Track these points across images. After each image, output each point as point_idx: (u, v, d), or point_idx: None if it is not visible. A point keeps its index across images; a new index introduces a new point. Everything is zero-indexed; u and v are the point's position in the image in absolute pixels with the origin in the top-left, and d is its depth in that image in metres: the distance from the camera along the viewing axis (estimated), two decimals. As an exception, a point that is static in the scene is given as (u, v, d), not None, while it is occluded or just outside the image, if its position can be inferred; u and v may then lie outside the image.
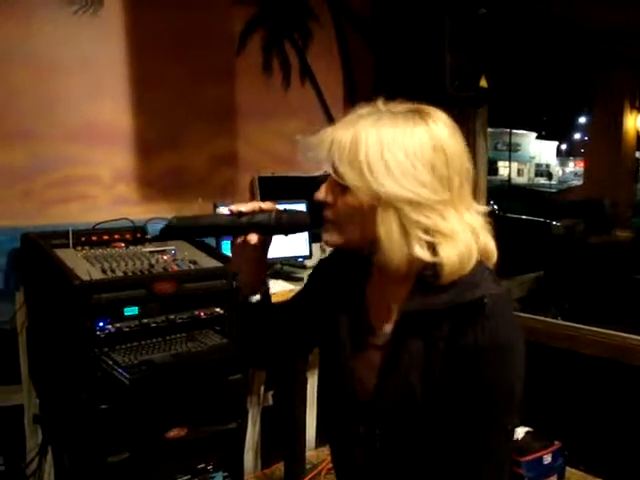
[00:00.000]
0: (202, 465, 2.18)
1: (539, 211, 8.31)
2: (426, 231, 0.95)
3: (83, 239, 2.23)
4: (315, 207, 1.06)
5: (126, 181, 2.60)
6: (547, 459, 2.76)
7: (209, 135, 2.82)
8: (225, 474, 2.24)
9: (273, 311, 1.24)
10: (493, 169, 29.50)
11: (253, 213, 1.09)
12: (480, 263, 1.00)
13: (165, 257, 2.20)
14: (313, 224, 1.10)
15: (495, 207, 8.45)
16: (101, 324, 1.91)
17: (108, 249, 2.22)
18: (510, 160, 26.92)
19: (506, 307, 0.99)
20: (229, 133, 2.90)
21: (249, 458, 2.85)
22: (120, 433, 1.95)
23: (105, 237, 2.28)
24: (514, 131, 28.24)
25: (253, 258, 1.15)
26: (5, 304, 2.28)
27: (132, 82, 2.58)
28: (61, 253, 2.06)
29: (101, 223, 2.31)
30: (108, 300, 1.91)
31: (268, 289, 1.23)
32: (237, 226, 1.09)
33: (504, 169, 28.38)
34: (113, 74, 2.54)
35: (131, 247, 2.27)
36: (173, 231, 1.09)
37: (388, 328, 1.06)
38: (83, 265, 2.01)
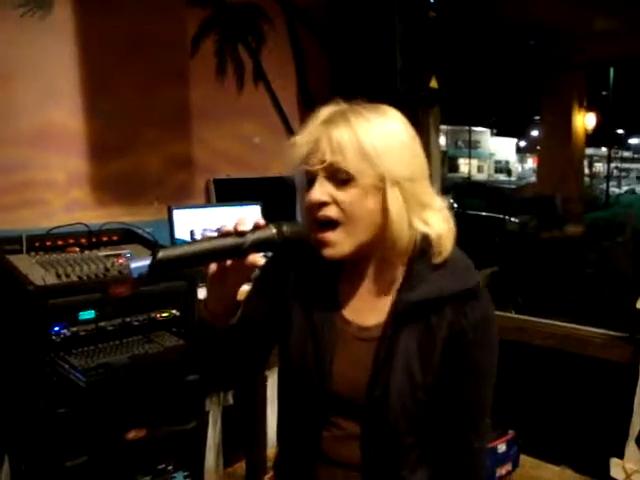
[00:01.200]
0: (162, 465, 2.20)
1: (497, 207, 8.49)
2: (421, 205, 1.06)
3: (37, 244, 2.22)
4: (270, 210, 1.07)
5: (80, 185, 2.58)
6: (502, 448, 2.85)
7: (164, 138, 2.82)
8: (186, 473, 2.26)
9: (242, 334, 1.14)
10: (454, 166, 29.90)
11: (249, 232, 0.98)
12: (456, 250, 1.11)
13: (121, 260, 2.21)
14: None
15: (454, 204, 8.60)
16: (57, 328, 1.92)
17: (63, 254, 2.21)
18: (470, 157, 27.32)
19: (485, 289, 1.12)
20: (184, 136, 2.90)
21: (211, 457, 2.87)
22: (78, 437, 1.96)
23: (60, 242, 2.27)
24: (474, 128, 28.65)
25: (243, 280, 1.05)
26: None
27: (85, 86, 2.57)
28: (15, 259, 2.06)
29: (55, 228, 2.30)
30: (63, 304, 1.91)
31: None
32: (239, 246, 0.97)
33: (465, 166, 28.78)
34: (66, 78, 2.52)
35: (86, 252, 2.27)
36: (163, 265, 0.92)
37: (373, 320, 1.10)
38: (37, 270, 2.01)
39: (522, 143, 31.36)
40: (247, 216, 1.00)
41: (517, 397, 3.02)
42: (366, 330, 1.11)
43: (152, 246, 2.37)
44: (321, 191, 1.02)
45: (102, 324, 2.02)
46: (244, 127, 3.05)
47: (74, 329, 1.95)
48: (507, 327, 3.18)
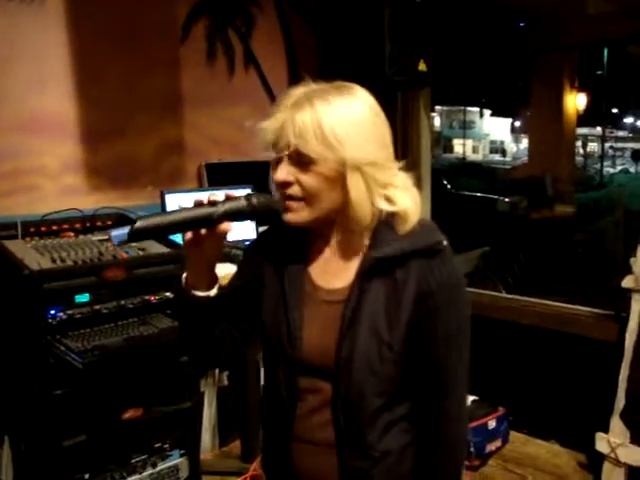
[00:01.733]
0: (159, 444, 2.26)
1: (491, 188, 8.51)
2: (384, 187, 1.09)
3: (32, 230, 2.26)
4: (262, 193, 1.09)
5: (74, 171, 2.61)
6: (492, 424, 2.91)
7: (156, 123, 2.85)
8: (182, 452, 2.32)
9: (222, 308, 1.21)
10: (448, 147, 29.86)
11: (222, 202, 1.06)
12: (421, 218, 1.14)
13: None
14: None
15: (447, 185, 8.61)
16: (53, 312, 1.96)
17: (57, 239, 2.26)
18: (465, 137, 27.28)
19: (452, 252, 1.15)
20: (175, 121, 2.93)
21: (207, 437, 2.93)
22: (76, 417, 2.01)
23: (54, 227, 2.32)
24: (469, 109, 28.58)
25: (217, 249, 1.11)
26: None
27: (77, 72, 2.58)
28: (10, 244, 2.10)
29: (50, 214, 2.34)
30: (59, 288, 1.96)
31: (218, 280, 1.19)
32: (211, 216, 1.04)
33: (459, 147, 28.76)
34: (58, 65, 2.54)
35: (80, 236, 2.31)
36: (140, 233, 1.00)
37: (341, 284, 1.13)
38: (33, 255, 2.05)
39: (517, 123, 31.31)
40: (220, 191, 1.11)
41: (507, 375, 3.08)
42: (334, 293, 1.14)
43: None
44: (285, 171, 1.07)
45: (97, 307, 2.06)
46: (235, 111, 3.07)
47: (70, 312, 2.00)
48: (496, 306, 3.24)
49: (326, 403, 1.13)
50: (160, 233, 1.05)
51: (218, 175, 2.92)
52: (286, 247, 1.19)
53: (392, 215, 1.10)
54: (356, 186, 1.06)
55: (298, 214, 1.09)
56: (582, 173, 16.05)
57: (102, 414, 2.07)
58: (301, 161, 1.06)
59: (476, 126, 31.94)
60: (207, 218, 1.04)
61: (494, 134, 33.97)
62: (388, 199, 1.09)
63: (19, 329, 2.02)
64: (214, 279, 1.15)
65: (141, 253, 2.21)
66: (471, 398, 3.06)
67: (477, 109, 30.24)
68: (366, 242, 1.13)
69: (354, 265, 1.13)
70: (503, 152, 32.73)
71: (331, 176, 1.05)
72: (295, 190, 1.08)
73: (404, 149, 3.32)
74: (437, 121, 28.68)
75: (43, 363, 1.93)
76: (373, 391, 1.10)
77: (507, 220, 6.17)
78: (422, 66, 2.95)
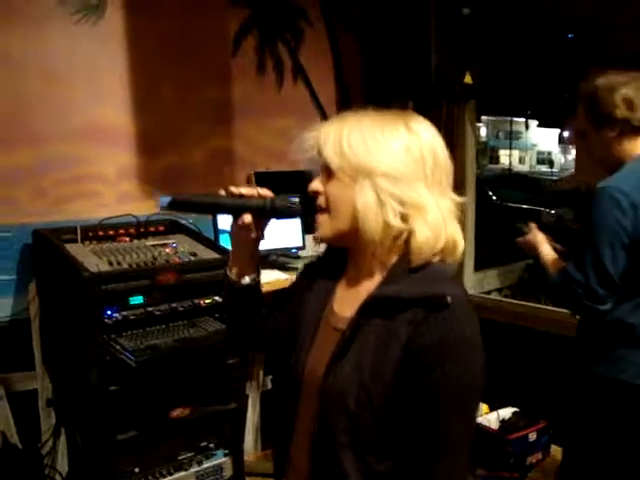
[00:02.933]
0: (204, 443, 2.34)
1: (536, 199, 8.39)
2: (401, 203, 1.03)
3: (90, 234, 2.37)
4: (308, 199, 1.14)
5: (129, 179, 2.72)
6: (532, 436, 2.91)
7: (207, 134, 2.94)
8: (226, 452, 2.40)
9: (260, 298, 1.30)
10: (495, 157, 29.51)
11: (251, 197, 1.16)
12: (444, 262, 1.07)
13: (167, 250, 2.35)
14: (305, 212, 1.16)
15: (493, 196, 8.52)
16: (109, 312, 2.06)
17: (114, 243, 2.37)
18: (511, 148, 26.92)
19: (466, 306, 1.03)
20: (226, 131, 3.01)
21: (249, 439, 3.00)
22: (128, 413, 2.11)
23: (111, 232, 2.43)
24: (515, 119, 28.21)
25: (246, 241, 1.20)
26: (19, 296, 2.42)
27: (133, 85, 2.70)
28: (70, 247, 2.21)
29: (107, 219, 2.45)
30: (115, 290, 2.06)
31: (258, 276, 1.27)
32: (235, 206, 1.17)
33: (505, 157, 28.38)
34: (115, 78, 2.66)
35: (135, 241, 2.42)
36: (178, 204, 1.15)
37: (349, 313, 1.09)
38: (91, 258, 2.16)
39: (565, 134, 30.74)
40: (259, 188, 1.18)
41: (549, 387, 3.06)
42: (342, 321, 1.11)
43: (196, 235, 2.51)
44: (317, 181, 1.10)
45: (150, 309, 2.15)
46: (283, 122, 3.14)
47: (124, 313, 2.09)
48: (538, 318, 3.22)
49: (310, 432, 1.10)
50: (192, 209, 1.29)
51: (266, 183, 2.95)
52: (325, 270, 1.21)
53: (409, 245, 1.04)
54: (363, 194, 1.03)
55: (322, 228, 1.10)
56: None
57: (152, 411, 2.16)
58: (328, 171, 1.08)
59: (523, 136, 31.51)
60: (231, 207, 1.18)
61: (541, 145, 33.45)
62: (404, 217, 1.03)
63: (78, 328, 2.12)
64: (250, 270, 1.25)
65: (192, 258, 2.30)
66: (511, 410, 3.06)
67: (523, 119, 29.84)
68: (384, 273, 1.08)
69: (364, 297, 1.08)
70: (550, 163, 32.17)
71: (349, 185, 1.05)
72: (321, 200, 1.09)
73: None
74: (483, 131, 28.44)
75: (99, 360, 2.03)
76: (342, 430, 1.03)
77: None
78: (468, 78, 2.97)
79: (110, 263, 2.15)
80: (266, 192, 1.18)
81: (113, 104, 2.66)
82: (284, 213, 1.18)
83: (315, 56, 3.32)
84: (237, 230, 1.20)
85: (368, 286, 1.09)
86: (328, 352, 1.08)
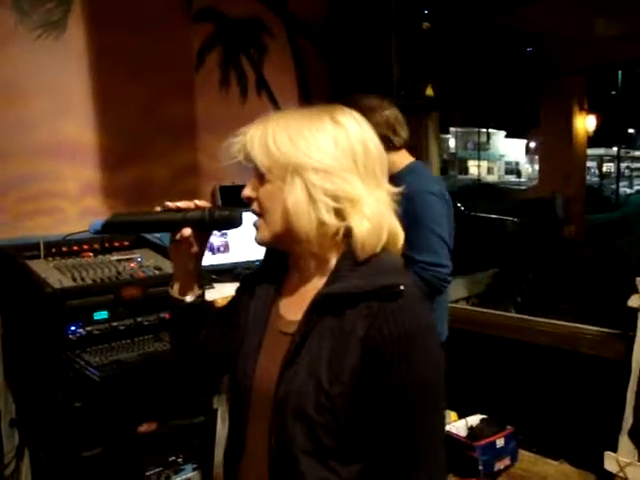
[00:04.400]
0: (172, 458, 2.33)
1: (504, 209, 8.54)
2: (334, 198, 1.00)
3: (54, 250, 2.35)
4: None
5: (93, 194, 2.71)
6: (500, 442, 2.94)
7: (171, 148, 2.95)
8: (194, 466, 2.39)
9: (204, 317, 1.22)
10: (464, 168, 29.88)
11: (188, 209, 1.11)
12: (389, 253, 1.04)
13: (132, 264, 2.34)
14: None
15: (461, 207, 8.66)
16: (73, 328, 2.05)
17: (78, 259, 2.35)
18: (479, 159, 27.29)
19: (418, 292, 1.02)
20: (190, 146, 3.03)
21: (220, 453, 2.97)
22: (93, 429, 2.08)
23: (75, 247, 2.41)
24: (483, 130, 28.64)
25: (187, 256, 1.15)
26: (-20, 314, 2.39)
27: (96, 101, 2.70)
28: (33, 264, 2.19)
29: (71, 234, 2.43)
30: (79, 306, 2.05)
31: (203, 293, 1.21)
32: (174, 221, 1.11)
33: (474, 168, 28.75)
34: (78, 94, 2.65)
35: (100, 256, 2.40)
36: (113, 226, 1.10)
37: (298, 315, 1.05)
38: (54, 274, 2.14)
39: (532, 144, 31.32)
40: (196, 200, 1.14)
41: (516, 394, 3.10)
42: (290, 324, 1.06)
43: (161, 250, 2.51)
44: (249, 187, 1.07)
45: (115, 324, 2.14)
46: (248, 136, 3.16)
47: (89, 328, 2.08)
48: (506, 325, 3.28)
49: (264, 443, 1.03)
50: (129, 229, 1.22)
51: (231, 197, 3.00)
52: (267, 276, 1.16)
53: (351, 240, 1.01)
54: (293, 192, 1.00)
55: (259, 233, 1.07)
56: (597, 193, 16.03)
57: (118, 427, 2.14)
58: (259, 175, 1.04)
59: (491, 147, 31.97)
60: (170, 223, 1.12)
61: (509, 155, 33.96)
62: (339, 213, 1.00)
63: (41, 344, 2.10)
64: (193, 287, 1.18)
65: (157, 272, 2.30)
66: (479, 417, 3.10)
67: (492, 130, 30.32)
68: (329, 272, 1.04)
69: (312, 298, 1.04)
70: (518, 173, 32.68)
71: (279, 186, 1.02)
72: (255, 206, 1.06)
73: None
74: (452, 143, 28.78)
75: (63, 376, 2.01)
76: (302, 438, 0.98)
77: (516, 241, 6.21)
78: (429, 91, 3.05)
79: (74, 279, 2.14)
80: (204, 203, 1.13)
81: (76, 119, 2.65)
82: (224, 224, 1.15)
83: (279, 70, 3.35)
84: (177, 246, 1.14)
85: (314, 287, 1.05)
86: (278, 358, 1.03)
